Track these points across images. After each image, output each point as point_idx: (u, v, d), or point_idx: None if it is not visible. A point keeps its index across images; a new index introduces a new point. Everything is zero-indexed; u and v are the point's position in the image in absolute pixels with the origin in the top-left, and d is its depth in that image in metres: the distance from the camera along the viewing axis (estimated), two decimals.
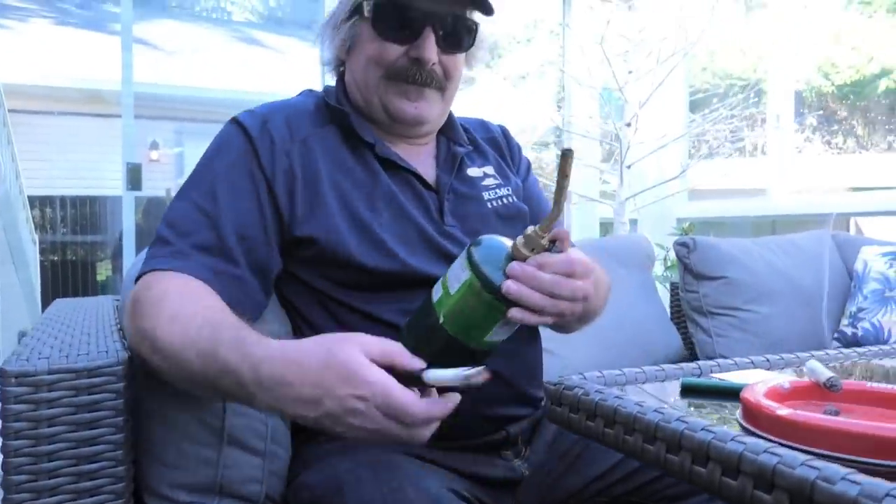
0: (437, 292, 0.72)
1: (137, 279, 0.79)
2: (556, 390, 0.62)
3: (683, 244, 1.97)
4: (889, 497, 0.30)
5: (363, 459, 0.77)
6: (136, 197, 3.13)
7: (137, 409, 0.78)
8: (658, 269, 2.75)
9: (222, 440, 0.79)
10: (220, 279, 0.79)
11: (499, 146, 1.11)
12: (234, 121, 0.91)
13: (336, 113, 0.95)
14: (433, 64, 0.91)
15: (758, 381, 0.51)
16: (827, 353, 0.87)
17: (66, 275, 5.94)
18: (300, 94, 1.03)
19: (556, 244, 0.71)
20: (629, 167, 2.78)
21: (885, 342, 1.92)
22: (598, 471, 0.93)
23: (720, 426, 0.42)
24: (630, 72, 2.81)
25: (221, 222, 0.83)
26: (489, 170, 1.04)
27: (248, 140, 0.88)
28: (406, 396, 0.59)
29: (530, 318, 0.69)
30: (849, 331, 1.98)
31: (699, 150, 3.06)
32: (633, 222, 3.18)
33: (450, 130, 1.03)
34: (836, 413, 0.48)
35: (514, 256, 0.70)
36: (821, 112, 7.37)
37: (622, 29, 2.95)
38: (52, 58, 5.91)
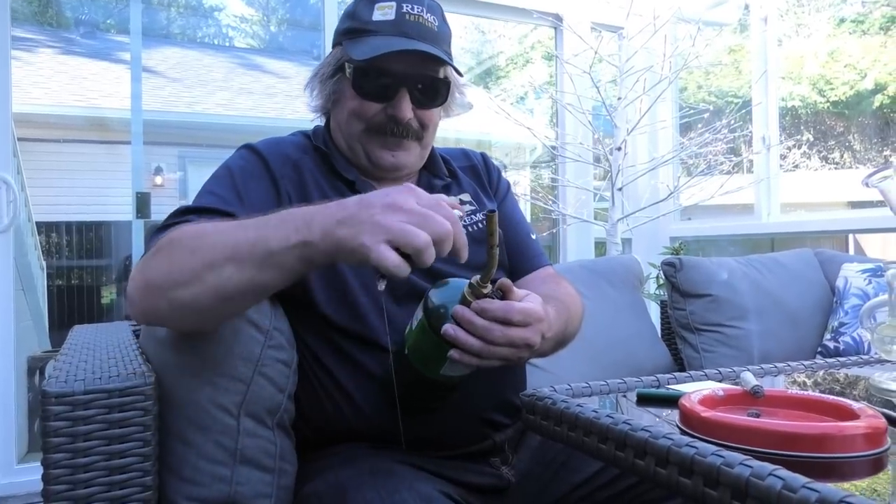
0: (409, 324, 0.81)
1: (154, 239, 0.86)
2: (529, 401, 0.71)
3: (671, 264, 2.06)
4: (771, 476, 0.39)
5: (364, 468, 0.85)
6: (144, 224, 3.23)
7: (160, 428, 0.86)
8: (651, 287, 2.84)
9: (235, 459, 0.86)
10: None
11: (477, 173, 1.20)
12: (245, 146, 1.05)
13: (320, 152, 1.06)
14: (409, 119, 1.01)
15: (695, 390, 0.60)
16: (802, 364, 0.95)
17: (72, 299, 6.02)
18: (293, 134, 1.14)
19: (498, 293, 0.77)
20: (620, 189, 2.87)
21: (865, 354, 2.00)
22: (582, 477, 0.98)
23: (657, 426, 0.51)
24: (619, 98, 2.92)
25: (241, 203, 0.94)
26: (465, 196, 1.13)
27: (259, 155, 1.02)
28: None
29: (469, 360, 0.75)
30: (831, 344, 2.06)
31: (697, 166, 3.15)
32: (628, 242, 3.26)
33: (431, 165, 1.13)
34: (758, 415, 0.57)
35: (461, 301, 0.76)
36: (817, 127, 7.46)
37: (611, 57, 3.07)
38: (58, 86, 6.06)
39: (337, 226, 0.68)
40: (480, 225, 1.09)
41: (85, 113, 5.86)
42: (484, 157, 1.24)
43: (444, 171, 1.14)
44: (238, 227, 0.75)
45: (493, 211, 0.71)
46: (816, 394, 0.60)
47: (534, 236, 1.20)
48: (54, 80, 6.10)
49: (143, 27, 3.98)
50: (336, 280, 0.96)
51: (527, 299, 0.79)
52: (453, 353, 0.75)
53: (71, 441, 0.79)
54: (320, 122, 1.15)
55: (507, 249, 1.15)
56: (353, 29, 1.02)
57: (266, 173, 1.00)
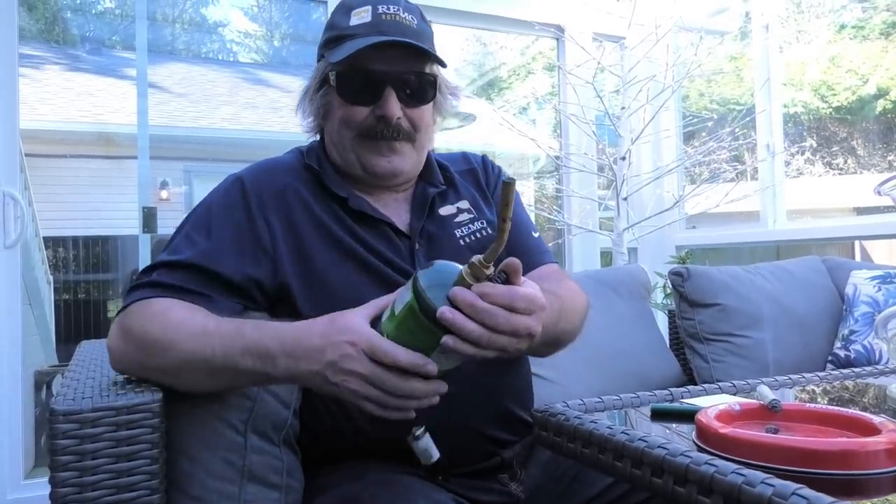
0: (386, 312, 0.74)
1: (122, 310, 0.89)
2: (541, 417, 0.70)
3: (678, 273, 2.05)
4: (795, 495, 0.38)
5: (375, 480, 0.84)
6: (150, 238, 3.24)
7: (168, 445, 0.86)
8: (658, 296, 2.82)
9: (243, 476, 0.86)
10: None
11: (476, 177, 1.16)
12: (235, 178, 1.02)
13: (312, 171, 1.04)
14: (398, 118, 0.99)
15: (712, 405, 0.59)
16: (816, 375, 0.94)
17: (79, 313, 6.03)
18: (289, 151, 1.12)
19: (502, 276, 0.69)
20: (625, 199, 2.87)
21: (877, 363, 1.98)
22: (594, 491, 0.96)
23: (674, 443, 0.50)
24: (623, 108, 2.92)
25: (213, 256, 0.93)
26: (463, 204, 1.10)
27: (244, 192, 0.99)
28: (387, 343, 0.70)
29: (465, 349, 0.68)
30: (841, 353, 2.04)
31: (701, 174, 3.14)
32: (634, 251, 3.25)
33: (426, 172, 1.10)
34: (776, 431, 0.56)
35: (458, 284, 0.68)
36: (820, 133, 7.46)
37: (613, 67, 3.08)
38: (65, 102, 6.11)
39: (297, 367, 0.75)
40: (478, 235, 1.06)
41: (91, 128, 5.90)
42: (484, 158, 1.22)
43: (440, 178, 1.11)
44: (203, 337, 0.80)
45: (511, 180, 0.65)
46: (835, 408, 0.59)
47: (536, 234, 1.15)
48: (61, 97, 6.14)
49: (148, 43, 4.01)
50: (326, 301, 0.94)
51: (526, 285, 0.73)
52: (447, 339, 0.67)
53: (79, 459, 0.78)
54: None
55: (506, 247, 1.11)
56: (332, 38, 1.02)
57: (244, 212, 0.98)
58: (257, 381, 0.82)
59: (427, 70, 1.02)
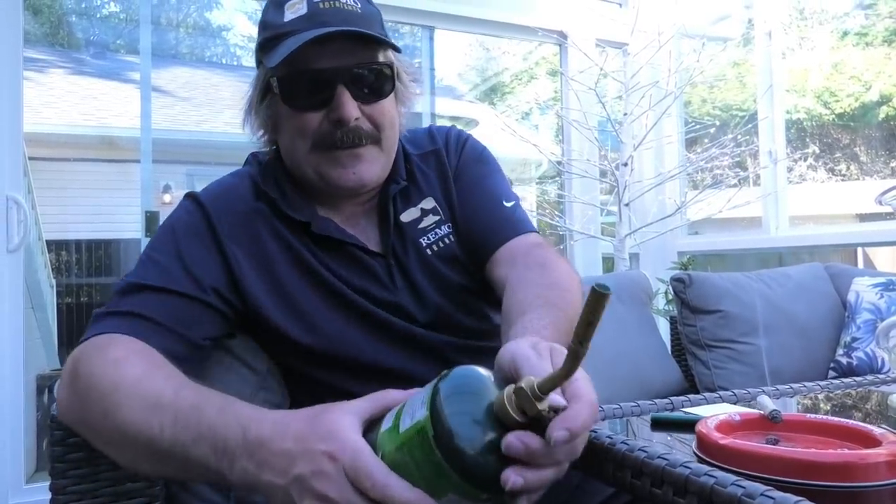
0: (389, 418, 0.55)
1: (80, 342, 0.77)
2: None
3: (680, 280, 2.05)
4: None
5: None
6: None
7: None
8: (660, 303, 2.82)
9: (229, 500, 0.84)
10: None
11: (440, 159, 1.01)
12: (191, 197, 0.92)
13: (267, 198, 0.92)
14: (356, 119, 0.86)
15: (712, 415, 0.59)
16: (818, 384, 0.94)
17: (82, 317, 6.04)
18: (246, 161, 1.01)
19: (553, 412, 0.49)
20: (627, 205, 2.87)
21: (879, 371, 1.98)
22: (597, 500, 0.92)
23: (674, 454, 0.50)
24: (625, 114, 2.92)
25: (185, 270, 0.84)
26: (428, 203, 0.97)
27: (204, 212, 0.90)
28: (376, 463, 0.52)
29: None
30: (844, 360, 2.04)
31: (703, 180, 3.14)
32: (635, 257, 3.25)
33: (392, 169, 0.96)
34: (776, 441, 0.56)
35: (499, 416, 0.50)
36: (823, 140, 7.47)
37: (616, 73, 3.08)
38: (69, 106, 6.14)
39: (257, 474, 0.58)
40: (446, 241, 0.95)
41: (95, 132, 5.93)
42: (449, 132, 1.05)
43: (403, 172, 0.97)
44: (155, 409, 0.64)
45: (603, 289, 0.45)
46: (836, 418, 0.59)
47: (510, 203, 0.98)
48: (65, 100, 6.17)
49: (152, 47, 4.03)
50: (307, 331, 0.89)
51: (574, 391, 0.52)
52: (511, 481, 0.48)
53: (79, 466, 0.78)
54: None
55: (473, 220, 0.97)
56: (267, 39, 0.89)
57: (209, 233, 0.88)
58: (210, 477, 0.62)
59: (381, 59, 0.89)
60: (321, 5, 0.85)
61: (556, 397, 0.49)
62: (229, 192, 0.93)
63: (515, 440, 0.48)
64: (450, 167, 1.00)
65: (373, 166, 0.90)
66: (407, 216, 0.96)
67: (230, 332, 0.90)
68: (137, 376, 0.68)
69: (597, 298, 0.44)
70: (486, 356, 0.92)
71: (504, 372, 0.55)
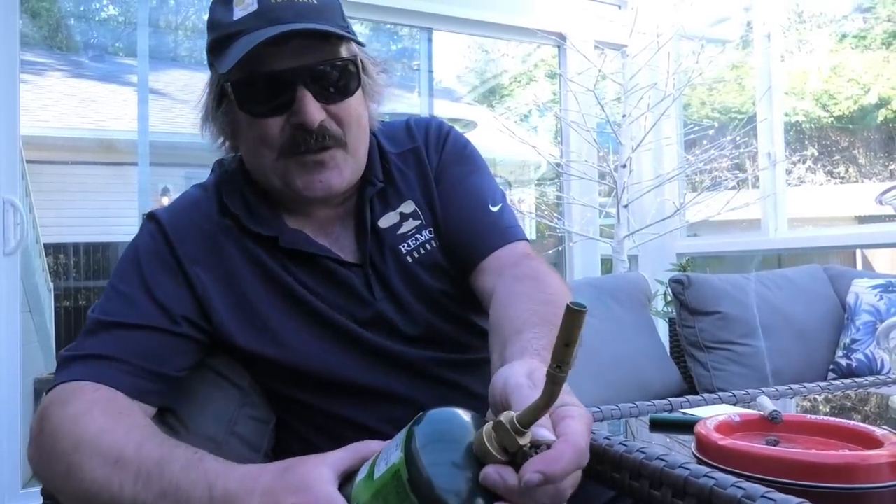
0: (364, 468, 0.53)
1: (48, 391, 0.74)
2: None
3: (678, 281, 2.05)
4: None
5: None
6: None
7: None
8: (659, 304, 2.82)
9: None
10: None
11: (419, 157, 0.94)
12: (151, 218, 0.88)
13: (232, 216, 0.87)
14: (321, 122, 0.80)
15: (711, 416, 0.59)
16: (818, 386, 0.93)
17: (80, 320, 6.03)
18: (213, 169, 0.97)
19: (535, 449, 0.46)
20: (626, 206, 2.86)
21: (879, 372, 1.97)
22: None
23: (672, 455, 0.50)
24: (624, 115, 2.92)
25: (151, 298, 0.80)
26: (407, 207, 0.91)
27: (165, 237, 0.85)
28: None
29: None
30: (843, 362, 2.03)
31: (702, 182, 3.14)
32: (634, 259, 3.25)
33: (367, 170, 0.90)
34: (776, 443, 0.55)
35: (478, 455, 0.46)
36: (822, 142, 7.48)
37: (615, 75, 3.08)
38: (67, 109, 6.13)
39: None
40: (427, 247, 0.90)
41: (93, 135, 5.93)
42: (429, 127, 0.98)
43: (379, 172, 0.91)
44: (116, 466, 0.62)
45: (578, 307, 0.41)
46: (836, 419, 0.59)
47: (496, 207, 0.92)
48: (63, 103, 6.17)
49: (150, 50, 4.03)
50: (280, 355, 0.86)
51: (563, 428, 0.47)
52: None
53: None
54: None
55: (456, 225, 0.91)
56: (216, 40, 0.82)
57: (171, 258, 0.83)
58: None
59: (344, 53, 0.82)
60: (273, 0, 0.78)
61: (542, 431, 0.45)
62: (192, 210, 0.88)
63: (493, 472, 0.45)
64: (430, 166, 0.94)
65: (341, 171, 0.84)
66: (385, 221, 0.90)
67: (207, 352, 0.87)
68: (97, 431, 0.65)
69: (573, 317, 0.41)
70: (471, 370, 0.90)
71: (495, 400, 0.51)
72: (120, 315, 0.79)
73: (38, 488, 2.18)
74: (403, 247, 0.89)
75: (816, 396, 0.83)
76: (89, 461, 0.63)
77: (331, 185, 0.83)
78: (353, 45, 0.84)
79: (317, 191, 0.83)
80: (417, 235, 0.89)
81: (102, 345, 0.76)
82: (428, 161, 0.94)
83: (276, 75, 0.78)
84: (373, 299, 0.86)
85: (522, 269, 0.83)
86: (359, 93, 0.85)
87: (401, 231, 0.90)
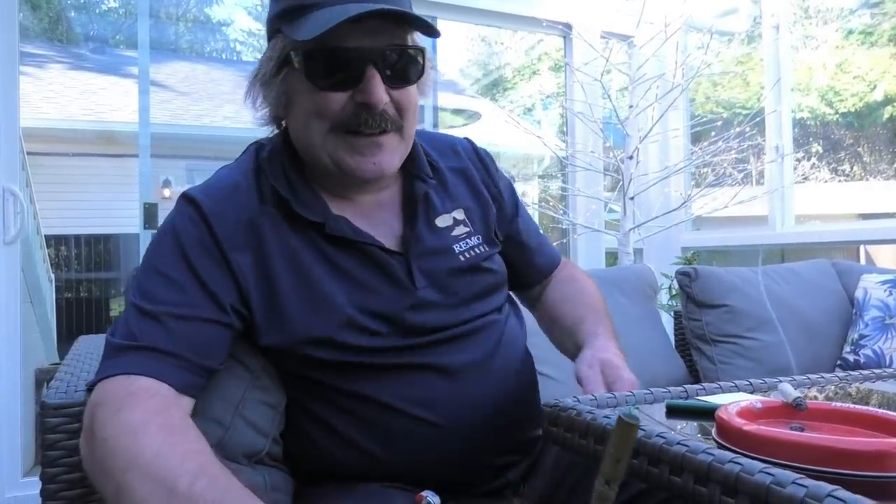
0: None
1: (98, 382, 0.73)
2: (552, 412, 0.67)
3: (685, 274, 2.02)
4: (830, 497, 0.35)
5: (365, 492, 0.81)
6: (151, 234, 3.22)
7: None
8: (663, 297, 2.79)
9: None
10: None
11: (469, 178, 0.99)
12: (188, 200, 0.85)
13: (278, 196, 0.85)
14: (385, 104, 0.81)
15: (731, 402, 0.57)
16: (836, 376, 0.91)
17: (81, 311, 6.03)
18: (247, 150, 0.93)
19: None
20: (632, 199, 2.84)
21: (887, 368, 1.95)
22: None
23: (693, 440, 0.47)
24: (631, 106, 2.89)
25: (199, 284, 0.79)
26: (459, 214, 0.95)
27: (205, 220, 0.82)
28: None
29: None
30: (851, 357, 2.01)
31: (706, 177, 3.12)
32: (639, 252, 3.22)
33: (412, 164, 0.92)
34: (801, 429, 0.53)
35: None
36: (827, 139, 7.44)
37: (622, 66, 3.05)
38: (68, 101, 6.11)
39: None
40: (476, 251, 0.94)
41: (94, 127, 5.90)
42: (477, 152, 1.04)
43: (428, 170, 0.94)
44: (167, 499, 0.61)
45: (632, 419, 0.41)
46: (862, 407, 0.56)
47: (542, 232, 1.14)
48: (64, 95, 6.15)
49: (151, 42, 4.00)
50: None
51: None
52: None
53: (69, 454, 0.76)
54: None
55: (519, 251, 1.07)
56: (289, 8, 0.81)
57: (215, 246, 0.81)
58: None
59: (411, 42, 0.85)
60: None
61: None
62: (232, 196, 0.85)
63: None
64: (486, 190, 1.00)
65: (393, 156, 0.85)
66: (441, 221, 0.93)
67: None
68: (153, 455, 0.64)
69: (624, 430, 0.40)
70: (479, 333, 0.93)
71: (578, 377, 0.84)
72: (171, 304, 0.77)
73: (38, 476, 2.17)
74: (457, 246, 0.93)
75: (834, 387, 0.81)
76: (141, 487, 0.62)
77: (383, 168, 0.84)
78: (418, 36, 0.86)
79: (368, 172, 0.83)
80: (468, 240, 0.94)
81: (155, 336, 0.74)
82: (479, 181, 1.00)
83: (348, 52, 0.79)
84: (412, 287, 0.87)
85: (563, 274, 1.13)
86: (418, 82, 0.87)
87: (454, 233, 0.94)
